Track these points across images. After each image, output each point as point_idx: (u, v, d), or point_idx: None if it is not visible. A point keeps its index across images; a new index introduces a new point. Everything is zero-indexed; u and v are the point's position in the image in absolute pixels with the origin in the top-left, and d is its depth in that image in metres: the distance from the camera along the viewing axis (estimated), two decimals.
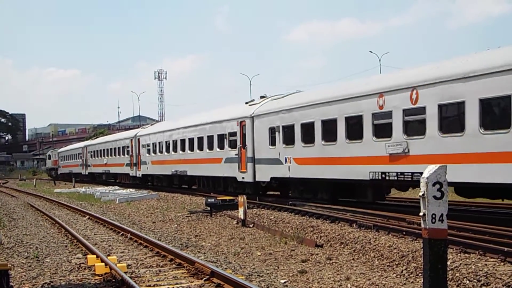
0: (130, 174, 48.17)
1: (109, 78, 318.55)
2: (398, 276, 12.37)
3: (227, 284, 10.77)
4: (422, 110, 17.49)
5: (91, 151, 62.06)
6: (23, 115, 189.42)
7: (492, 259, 12.20)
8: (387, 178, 19.19)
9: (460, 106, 16.34)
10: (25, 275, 12.79)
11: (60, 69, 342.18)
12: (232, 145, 29.70)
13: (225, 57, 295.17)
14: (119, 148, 51.48)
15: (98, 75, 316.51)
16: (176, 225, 22.79)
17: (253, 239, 18.54)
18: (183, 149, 36.60)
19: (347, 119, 21.11)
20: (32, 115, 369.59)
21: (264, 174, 26.86)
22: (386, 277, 12.30)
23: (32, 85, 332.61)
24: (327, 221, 19.54)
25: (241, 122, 28.83)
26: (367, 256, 14.56)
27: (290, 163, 24.67)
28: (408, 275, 12.29)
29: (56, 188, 59.80)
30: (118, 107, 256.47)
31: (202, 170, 33.96)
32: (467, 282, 10.95)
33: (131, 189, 44.13)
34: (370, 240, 15.48)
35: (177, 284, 11.47)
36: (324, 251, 15.71)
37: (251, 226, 21.19)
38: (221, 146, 31.05)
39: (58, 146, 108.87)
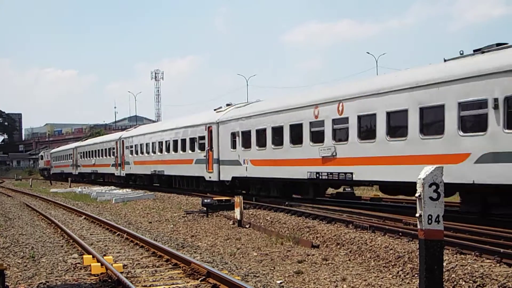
0: (115, 174, 51.38)
1: (106, 78, 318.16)
2: (394, 277, 12.38)
3: (223, 285, 10.77)
4: (346, 120, 20.89)
5: (81, 152, 65.27)
6: (20, 114, 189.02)
7: (488, 260, 12.22)
8: (320, 177, 22.58)
9: (372, 117, 19.69)
10: (20, 275, 12.77)
11: (57, 69, 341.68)
12: (202, 147, 33.20)
13: (224, 58, 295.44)
14: (105, 149, 54.75)
15: (95, 75, 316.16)
16: (172, 226, 22.78)
17: (249, 239, 18.54)
18: (161, 151, 40.21)
19: (291, 126, 24.37)
20: (29, 115, 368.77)
21: (227, 174, 30.33)
22: (382, 278, 12.31)
23: (29, 85, 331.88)
24: (323, 222, 19.56)
25: (208, 127, 32.34)
26: (363, 257, 14.58)
27: (247, 164, 28.20)
28: (404, 276, 12.30)
29: (52, 188, 59.76)
30: (115, 107, 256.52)
31: (177, 170, 37.52)
32: (463, 283, 10.97)
33: (127, 189, 44.14)
34: (366, 241, 15.49)
35: (173, 284, 11.47)
36: (320, 252, 15.72)
37: (247, 226, 21.19)
38: (193, 149, 34.45)
39: (55, 146, 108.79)
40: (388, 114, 18.95)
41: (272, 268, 13.80)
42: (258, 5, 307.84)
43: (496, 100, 15.06)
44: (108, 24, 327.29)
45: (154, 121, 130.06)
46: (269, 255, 15.57)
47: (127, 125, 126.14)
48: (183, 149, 35.86)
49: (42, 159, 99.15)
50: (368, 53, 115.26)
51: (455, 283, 11.07)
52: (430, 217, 9.02)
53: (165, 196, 35.32)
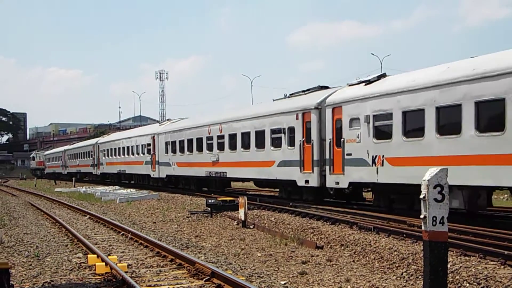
0: (93, 173, 62.08)
1: (111, 78, 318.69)
2: (398, 278, 12.38)
3: (227, 285, 10.78)
4: (223, 136, 31.43)
5: (69, 155, 76.44)
6: (24, 114, 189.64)
7: (492, 262, 12.21)
8: (211, 175, 32.93)
9: (235, 135, 30.04)
10: (25, 274, 12.81)
11: (62, 68, 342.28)
12: (148, 152, 43.37)
13: (228, 58, 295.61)
14: (85, 152, 66.04)
15: (100, 75, 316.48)
16: (176, 226, 22.80)
17: (254, 240, 18.55)
18: (123, 154, 50.24)
19: (197, 139, 34.72)
20: (33, 114, 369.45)
21: (163, 172, 40.62)
22: (386, 279, 12.32)
23: (34, 84, 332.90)
24: (328, 223, 19.55)
25: (152, 137, 42.82)
26: (367, 258, 14.58)
27: (174, 165, 38.37)
28: (408, 277, 12.30)
29: (56, 187, 59.88)
30: (119, 107, 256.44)
31: (134, 169, 47.77)
32: (467, 285, 10.96)
33: (131, 189, 44.28)
34: (370, 242, 15.49)
35: (177, 284, 11.49)
36: (324, 253, 15.72)
37: (251, 227, 21.21)
38: (143, 153, 44.98)
39: (59, 145, 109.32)
40: (243, 134, 29.25)
41: (276, 269, 13.82)
42: (262, 6, 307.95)
43: (285, 129, 25.31)
44: (112, 24, 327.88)
45: (158, 121, 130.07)
46: (273, 255, 15.58)
47: (132, 125, 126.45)
48: (137, 153, 46.42)
49: (33, 159, 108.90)
50: (373, 54, 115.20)
51: (459, 284, 11.07)
52: (434, 218, 9.03)
53: (169, 196, 35.36)
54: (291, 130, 24.82)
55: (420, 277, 11.73)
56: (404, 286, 11.75)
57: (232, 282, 10.71)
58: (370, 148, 20.20)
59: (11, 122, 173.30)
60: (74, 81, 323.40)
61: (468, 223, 16.38)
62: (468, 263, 12.17)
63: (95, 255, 14.39)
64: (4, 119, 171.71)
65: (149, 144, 43.07)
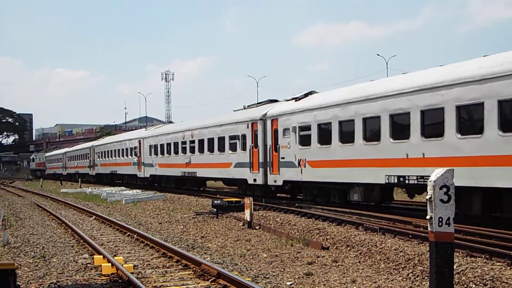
0: (89, 173, 66.56)
1: (117, 79, 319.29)
2: (404, 279, 12.36)
3: (233, 286, 10.80)
4: (194, 141, 36.45)
5: (68, 156, 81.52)
6: (30, 115, 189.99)
7: (498, 263, 12.19)
8: (185, 175, 38.14)
9: (202, 141, 35.13)
10: (32, 275, 12.85)
11: (69, 69, 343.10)
12: (135, 154, 48.34)
13: (234, 59, 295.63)
14: (83, 155, 71.51)
15: (106, 76, 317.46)
16: (182, 226, 22.82)
17: (259, 241, 18.55)
18: (115, 156, 55.57)
19: (174, 143, 39.91)
20: (40, 115, 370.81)
21: (148, 172, 45.79)
22: (392, 280, 12.30)
23: (40, 86, 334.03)
24: (333, 224, 19.55)
25: (139, 141, 47.89)
26: (373, 259, 14.56)
27: (156, 166, 43.61)
28: (414, 278, 12.29)
29: (62, 188, 60.01)
30: (125, 108, 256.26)
31: (124, 170, 52.60)
32: (474, 286, 10.94)
33: (137, 190, 44.30)
34: (376, 243, 15.48)
35: (183, 285, 11.51)
36: (330, 254, 15.71)
37: (257, 228, 21.21)
38: (131, 155, 49.75)
39: (65, 146, 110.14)
40: (209, 140, 34.28)
41: (282, 270, 13.82)
42: (269, 7, 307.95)
43: (239, 136, 30.41)
44: (119, 25, 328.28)
45: (164, 122, 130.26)
46: (279, 256, 15.58)
47: (138, 126, 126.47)
48: (126, 155, 51.35)
49: (33, 161, 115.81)
50: (379, 55, 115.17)
51: (465, 285, 11.05)
52: (440, 219, 9.02)
53: (175, 197, 35.40)
54: (244, 137, 29.81)
55: (426, 278, 11.72)
56: (410, 287, 11.73)
57: (238, 283, 10.72)
58: (297, 153, 25.04)
59: (17, 123, 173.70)
60: (80, 82, 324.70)
61: (474, 224, 16.35)
62: (474, 264, 12.15)
63: (101, 256, 14.43)
64: (10, 120, 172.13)
65: (136, 147, 48.40)
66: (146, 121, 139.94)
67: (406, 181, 18.91)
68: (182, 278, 12.17)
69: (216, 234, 20.47)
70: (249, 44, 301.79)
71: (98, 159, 62.13)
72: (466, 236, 15.01)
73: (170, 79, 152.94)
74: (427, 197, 9.08)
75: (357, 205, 22.62)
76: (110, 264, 13.21)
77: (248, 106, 33.41)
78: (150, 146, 44.77)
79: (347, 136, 21.73)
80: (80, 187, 56.20)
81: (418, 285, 11.78)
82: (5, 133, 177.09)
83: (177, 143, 39.18)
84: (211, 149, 33.90)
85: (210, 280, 11.56)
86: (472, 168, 16.24)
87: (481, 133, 16.06)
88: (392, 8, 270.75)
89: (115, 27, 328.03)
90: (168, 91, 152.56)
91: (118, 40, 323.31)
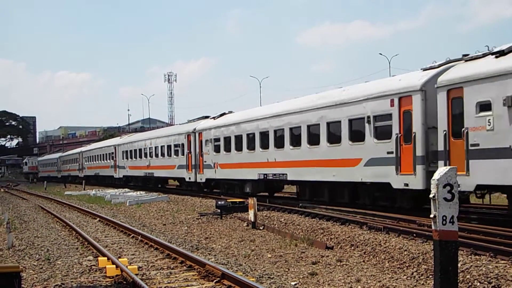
0: (79, 175, 75.55)
1: (120, 81, 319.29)
2: (409, 278, 12.36)
3: (238, 286, 10.80)
4: (152, 148, 45.77)
5: (62, 161, 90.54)
6: (34, 118, 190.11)
7: (503, 261, 12.18)
8: (147, 175, 47.18)
9: (162, 147, 43.43)
10: (36, 277, 12.87)
11: (72, 72, 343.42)
12: (112, 158, 57.91)
13: (237, 60, 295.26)
14: (73, 159, 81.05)
15: (109, 78, 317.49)
16: (186, 228, 22.83)
17: (263, 241, 18.56)
18: (97, 160, 65.46)
19: (139, 150, 49.43)
20: (43, 118, 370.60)
21: (121, 173, 55.16)
22: (397, 279, 12.29)
23: (43, 88, 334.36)
24: (337, 223, 19.55)
25: (115, 147, 57.40)
26: (377, 258, 14.56)
27: (127, 168, 53.29)
28: (419, 277, 12.28)
29: (66, 190, 60.12)
30: (128, 110, 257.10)
31: (104, 172, 62.31)
32: (478, 284, 10.93)
33: (141, 192, 44.42)
34: (380, 242, 15.47)
35: (188, 286, 11.52)
36: (334, 253, 15.71)
37: (261, 228, 21.22)
38: (109, 159, 59.57)
39: (68, 148, 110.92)
40: (161, 147, 43.62)
41: (287, 270, 13.82)
42: (271, 7, 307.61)
43: (180, 144, 39.44)
44: (122, 27, 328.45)
45: (167, 123, 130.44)
46: (284, 256, 15.58)
47: (141, 128, 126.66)
48: (106, 159, 61.08)
49: (26, 165, 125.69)
50: (381, 54, 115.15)
51: (470, 284, 11.04)
52: (444, 218, 9.00)
53: (179, 199, 35.44)
54: (183, 145, 39.10)
55: (430, 276, 11.72)
56: (415, 285, 11.72)
57: (242, 283, 10.72)
58: (213, 158, 34.50)
59: (20, 126, 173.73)
60: (84, 84, 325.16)
61: (478, 222, 16.34)
62: (478, 262, 12.15)
63: (106, 258, 14.44)
64: (13, 123, 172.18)
65: (112, 153, 57.92)
66: (149, 123, 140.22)
67: (267, 177, 28.37)
68: (187, 279, 12.18)
69: (220, 235, 20.48)
70: (252, 45, 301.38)
71: (85, 163, 72.05)
72: (470, 234, 15.01)
73: (173, 81, 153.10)
74: (431, 195, 9.07)
75: (361, 204, 22.63)
76: (114, 266, 13.23)
77: (189, 120, 42.69)
78: (123, 152, 54.32)
79: (238, 146, 31.51)
80: (84, 189, 56.28)
81: (423, 284, 11.77)
82: (8, 136, 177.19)
83: (141, 149, 48.74)
84: (163, 154, 43.35)
85: (215, 281, 11.57)
86: (303, 168, 25.19)
87: (319, 144, 24.11)
88: (395, 7, 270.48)
89: (118, 30, 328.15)
90: (171, 93, 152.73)
91: (121, 42, 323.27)
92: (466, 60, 17.93)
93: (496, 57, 16.58)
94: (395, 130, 19.62)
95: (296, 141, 25.67)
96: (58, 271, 13.56)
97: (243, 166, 30.72)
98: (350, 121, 21.96)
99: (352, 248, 16.06)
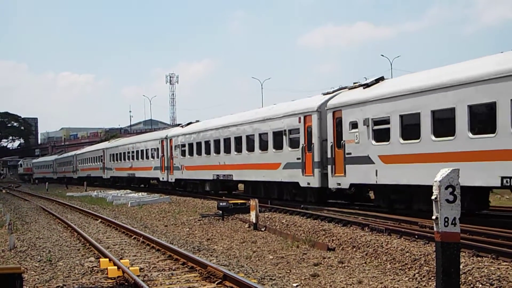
0: (73, 177, 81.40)
1: (122, 82, 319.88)
2: (411, 279, 12.34)
3: None
4: (134, 152, 51.43)
5: (58, 163, 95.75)
6: (36, 119, 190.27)
7: (505, 263, 12.16)
8: (129, 175, 52.84)
9: (142, 151, 49.21)
10: (38, 279, 12.87)
11: (74, 73, 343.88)
12: (101, 160, 64.10)
13: (239, 61, 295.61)
14: (67, 161, 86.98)
15: (111, 79, 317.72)
16: (188, 229, 22.83)
17: (265, 242, 18.55)
18: (89, 163, 71.16)
19: (123, 153, 54.65)
20: (45, 119, 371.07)
21: (109, 174, 60.87)
22: (399, 281, 12.28)
23: (45, 90, 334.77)
24: (339, 225, 19.53)
25: (103, 151, 63.27)
26: (379, 259, 14.55)
27: (114, 169, 58.60)
28: (421, 278, 12.27)
29: (68, 191, 60.15)
30: (130, 111, 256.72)
31: (94, 173, 68.06)
32: (480, 285, 10.91)
33: (142, 193, 44.47)
34: (382, 243, 15.46)
35: (189, 287, 11.51)
36: (336, 255, 15.69)
37: (263, 229, 21.20)
38: (98, 162, 65.73)
39: (70, 150, 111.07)
40: (142, 151, 48.95)
41: (288, 271, 13.81)
42: (275, 8, 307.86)
43: (155, 149, 45.87)
44: (124, 28, 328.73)
45: (169, 125, 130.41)
46: (285, 258, 15.57)
47: (142, 129, 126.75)
48: (96, 162, 66.86)
49: (21, 166, 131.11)
50: (383, 55, 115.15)
51: (472, 285, 11.02)
52: (446, 219, 9.00)
53: (181, 200, 35.44)
54: (157, 149, 44.85)
55: (432, 278, 11.70)
56: (416, 287, 11.71)
57: (244, 284, 10.72)
58: (180, 161, 39.99)
59: (22, 127, 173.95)
60: (86, 86, 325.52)
61: (480, 224, 16.32)
62: (480, 264, 12.12)
63: (107, 259, 14.44)
64: (15, 124, 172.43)
65: (101, 156, 64.18)
66: (151, 124, 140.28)
67: (219, 177, 33.85)
68: (188, 280, 12.18)
69: (222, 236, 20.47)
70: (255, 46, 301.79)
71: (79, 165, 77.62)
72: (472, 236, 14.98)
73: (175, 82, 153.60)
74: (433, 197, 9.06)
75: (363, 205, 22.63)
76: (116, 267, 13.23)
77: (162, 128, 50.18)
78: (110, 155, 60.20)
79: (199, 151, 37.09)
80: (86, 191, 56.31)
81: (425, 286, 11.75)
82: (10, 137, 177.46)
83: (125, 153, 54.29)
84: (142, 157, 49.04)
85: (217, 282, 11.57)
86: (244, 170, 30.84)
87: (254, 150, 29.58)
88: (399, 9, 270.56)
89: (120, 31, 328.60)
90: (173, 94, 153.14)
91: (123, 43, 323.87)
92: (350, 89, 23.43)
93: (364, 88, 21.97)
94: (302, 141, 25.00)
95: (239, 148, 31.31)
96: (60, 273, 13.57)
97: (202, 168, 36.39)
98: (274, 133, 27.36)
99: (354, 249, 16.04)
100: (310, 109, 24.48)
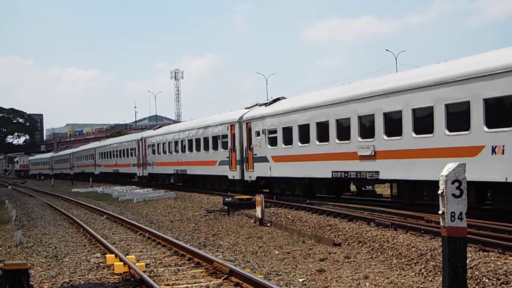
0: (70, 173, 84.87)
1: (127, 78, 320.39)
2: (417, 274, 12.33)
3: (246, 283, 10.79)
4: (118, 151, 58.87)
5: (54, 160, 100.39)
6: (41, 115, 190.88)
7: (511, 258, 12.12)
8: (115, 172, 60.70)
9: (125, 150, 56.62)
10: (44, 274, 12.90)
11: (79, 69, 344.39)
12: (93, 158, 70.57)
13: (244, 56, 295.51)
14: (65, 159, 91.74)
15: (116, 75, 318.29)
16: (193, 224, 22.84)
17: (271, 238, 18.55)
18: (83, 160, 76.79)
19: (111, 152, 61.52)
20: (50, 116, 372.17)
21: (99, 170, 66.96)
22: (405, 276, 12.27)
23: (50, 86, 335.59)
24: (345, 220, 19.50)
25: (94, 149, 69.86)
26: (385, 254, 14.53)
27: (102, 166, 65.10)
28: (427, 273, 12.24)
29: (73, 188, 60.26)
30: (135, 107, 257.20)
31: (87, 170, 73.35)
32: (487, 280, 10.89)
33: (148, 189, 44.49)
34: (388, 238, 15.43)
35: (195, 283, 11.51)
36: (342, 250, 15.69)
37: (268, 225, 21.20)
38: (91, 159, 71.63)
39: (75, 146, 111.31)
40: (123, 150, 56.69)
41: (294, 266, 13.81)
42: (279, 2, 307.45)
43: (133, 148, 53.74)
44: (129, 24, 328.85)
45: (174, 121, 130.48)
46: (291, 253, 15.57)
47: (147, 125, 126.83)
48: (89, 159, 73.27)
49: (17, 163, 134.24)
50: (387, 50, 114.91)
51: (478, 280, 11.00)
52: (453, 214, 8.98)
53: (186, 195, 35.47)
54: (135, 149, 51.59)
55: (439, 273, 11.67)
56: (423, 282, 11.69)
57: (250, 280, 10.71)
58: (151, 158, 46.73)
59: (28, 124, 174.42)
60: (91, 81, 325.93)
61: (487, 218, 16.27)
62: (487, 258, 12.08)
63: (113, 255, 14.46)
64: (21, 120, 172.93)
65: (93, 155, 70.40)
66: (156, 120, 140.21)
67: (178, 172, 41.02)
68: (195, 276, 12.18)
69: (227, 231, 20.48)
70: (260, 41, 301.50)
71: (75, 162, 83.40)
72: (478, 230, 14.93)
73: (180, 78, 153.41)
74: (439, 192, 9.03)
75: (368, 200, 22.60)
76: (122, 263, 13.24)
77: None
78: (100, 153, 66.47)
79: (164, 151, 43.98)
80: (91, 187, 56.43)
81: (431, 280, 11.74)
82: (16, 133, 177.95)
83: (111, 151, 61.36)
84: (124, 156, 55.98)
85: (223, 277, 11.57)
86: (194, 166, 37.96)
87: (200, 150, 36.89)
88: (403, 2, 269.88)
89: (125, 26, 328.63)
90: (178, 90, 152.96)
91: (128, 39, 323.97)
92: (260, 105, 31.22)
93: (266, 106, 29.88)
94: (229, 144, 32.18)
95: (190, 148, 38.67)
96: (66, 268, 13.59)
97: (167, 164, 43.52)
98: (213, 137, 34.62)
99: (360, 244, 16.03)
100: (234, 120, 31.97)
